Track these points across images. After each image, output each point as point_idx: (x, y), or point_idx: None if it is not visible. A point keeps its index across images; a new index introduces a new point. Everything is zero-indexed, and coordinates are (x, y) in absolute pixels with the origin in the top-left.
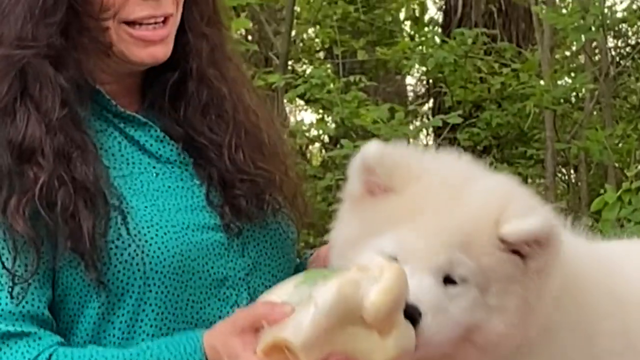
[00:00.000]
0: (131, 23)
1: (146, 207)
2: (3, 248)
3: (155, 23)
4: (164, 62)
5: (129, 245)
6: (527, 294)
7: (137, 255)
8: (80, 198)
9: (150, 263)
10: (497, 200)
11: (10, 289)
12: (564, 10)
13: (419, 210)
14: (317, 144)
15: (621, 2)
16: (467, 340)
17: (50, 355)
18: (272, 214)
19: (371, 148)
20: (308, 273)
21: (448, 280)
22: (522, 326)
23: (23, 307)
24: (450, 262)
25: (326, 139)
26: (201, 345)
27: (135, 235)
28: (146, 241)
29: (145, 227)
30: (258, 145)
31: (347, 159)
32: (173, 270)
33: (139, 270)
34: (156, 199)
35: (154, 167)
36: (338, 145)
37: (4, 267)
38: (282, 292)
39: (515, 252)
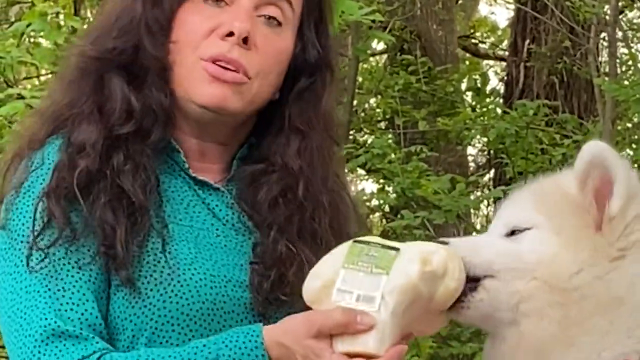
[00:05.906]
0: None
1: (190, 251)
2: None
3: (226, 68)
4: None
5: (163, 276)
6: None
7: (165, 292)
8: (118, 202)
9: (177, 303)
10: None
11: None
12: (626, 82)
13: None
14: (377, 214)
15: None
16: None
17: (102, 355)
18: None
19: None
20: (367, 250)
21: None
22: None
23: (82, 314)
24: None
25: (387, 208)
26: (262, 341)
27: (172, 271)
28: (178, 282)
29: (184, 268)
30: (316, 245)
31: (408, 229)
32: (199, 316)
33: (164, 307)
34: (206, 249)
35: (217, 229)
36: (399, 216)
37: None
38: (351, 281)
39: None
